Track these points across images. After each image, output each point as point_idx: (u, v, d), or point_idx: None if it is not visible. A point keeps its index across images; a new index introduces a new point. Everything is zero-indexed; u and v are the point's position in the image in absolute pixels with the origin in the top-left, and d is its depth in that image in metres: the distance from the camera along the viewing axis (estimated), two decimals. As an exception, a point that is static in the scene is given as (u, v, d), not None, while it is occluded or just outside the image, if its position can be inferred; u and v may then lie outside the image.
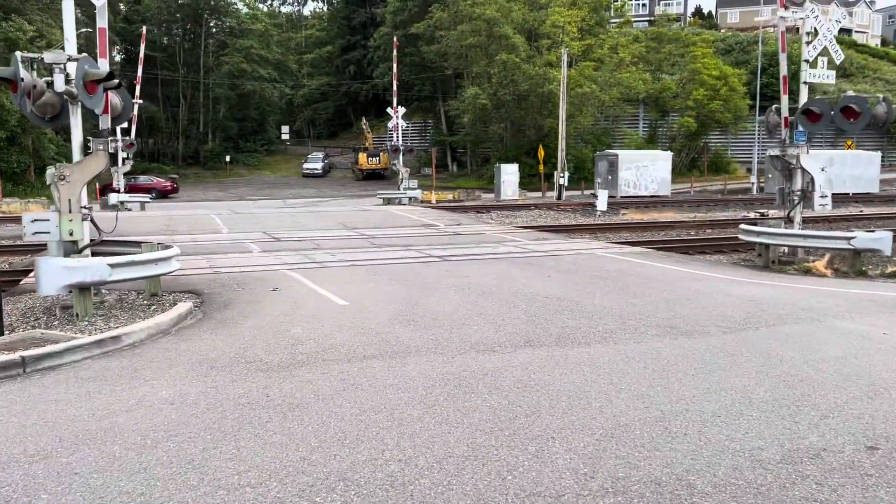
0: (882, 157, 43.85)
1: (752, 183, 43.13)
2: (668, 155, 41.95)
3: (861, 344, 7.03)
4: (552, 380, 5.82)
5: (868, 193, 38.98)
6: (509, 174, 38.67)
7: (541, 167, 42.37)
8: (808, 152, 13.97)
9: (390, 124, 36.51)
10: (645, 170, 40.29)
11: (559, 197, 37.97)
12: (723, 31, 73.48)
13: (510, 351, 6.84)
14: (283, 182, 57.29)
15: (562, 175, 38.08)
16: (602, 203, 31.18)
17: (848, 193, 36.44)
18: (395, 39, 39.03)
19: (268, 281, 11.42)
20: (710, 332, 7.72)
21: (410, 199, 33.52)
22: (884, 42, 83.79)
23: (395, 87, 35.94)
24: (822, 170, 13.70)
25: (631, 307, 9.17)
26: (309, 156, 63.38)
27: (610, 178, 39.85)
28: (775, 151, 14.19)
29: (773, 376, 5.90)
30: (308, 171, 60.20)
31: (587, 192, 39.55)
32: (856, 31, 78.15)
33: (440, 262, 14.07)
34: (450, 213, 27.94)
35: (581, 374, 5.97)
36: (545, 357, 6.58)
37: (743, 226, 15.10)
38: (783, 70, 13.92)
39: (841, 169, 38.14)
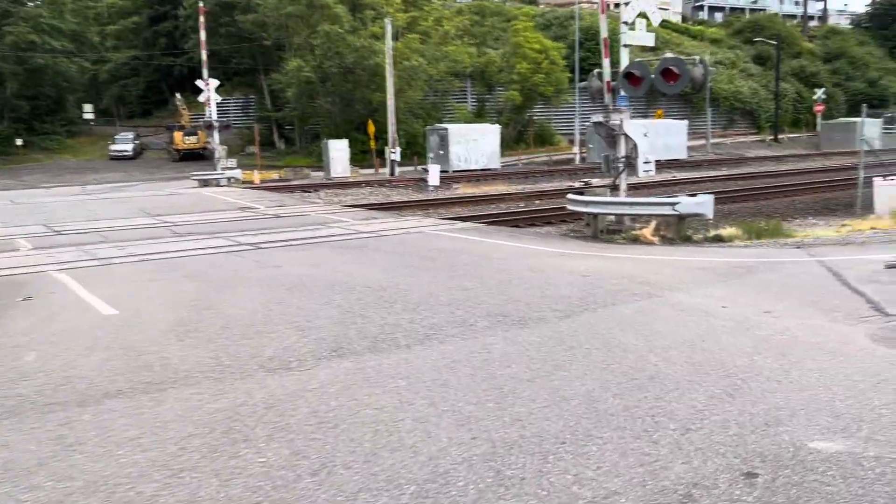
0: (688, 125, 46.85)
1: (575, 153, 44.44)
2: (497, 128, 42.08)
3: (705, 323, 6.38)
4: (358, 406, 4.52)
5: (678, 160, 41.41)
6: (338, 150, 36.87)
7: (372, 143, 40.91)
8: (630, 118, 13.69)
9: (202, 98, 33.37)
10: (475, 143, 40.12)
11: (392, 173, 36.80)
12: (542, 6, 75.49)
13: (312, 365, 5.46)
14: (88, 166, 51.36)
15: (393, 150, 36.89)
16: (434, 178, 30.37)
17: (660, 160, 38.41)
18: (200, 4, 35.62)
19: (25, 286, 9.18)
20: (546, 317, 6.79)
21: (230, 179, 30.84)
22: (684, 19, 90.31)
23: (204, 57, 32.82)
24: (645, 135, 13.47)
25: (461, 293, 8.11)
26: (117, 136, 57.25)
27: (442, 152, 39.27)
28: (599, 118, 13.80)
29: (619, 374, 4.99)
30: (116, 154, 54.37)
31: (421, 168, 38.73)
32: (659, 8, 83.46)
33: (251, 250, 12.33)
34: (273, 194, 25.85)
35: (395, 394, 4.72)
36: (354, 371, 5.27)
37: (570, 195, 14.66)
38: (603, 32, 13.48)
39: (654, 138, 40.06)
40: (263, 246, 12.77)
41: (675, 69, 12.69)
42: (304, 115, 49.61)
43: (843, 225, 15.05)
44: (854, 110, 67.52)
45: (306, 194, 27.11)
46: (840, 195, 22.10)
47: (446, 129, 39.98)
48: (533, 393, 4.64)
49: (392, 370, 5.24)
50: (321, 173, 37.34)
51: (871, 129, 58.48)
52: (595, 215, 13.94)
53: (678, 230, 12.78)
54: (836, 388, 4.50)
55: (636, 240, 12.88)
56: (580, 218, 15.24)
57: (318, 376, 5.17)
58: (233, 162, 32.86)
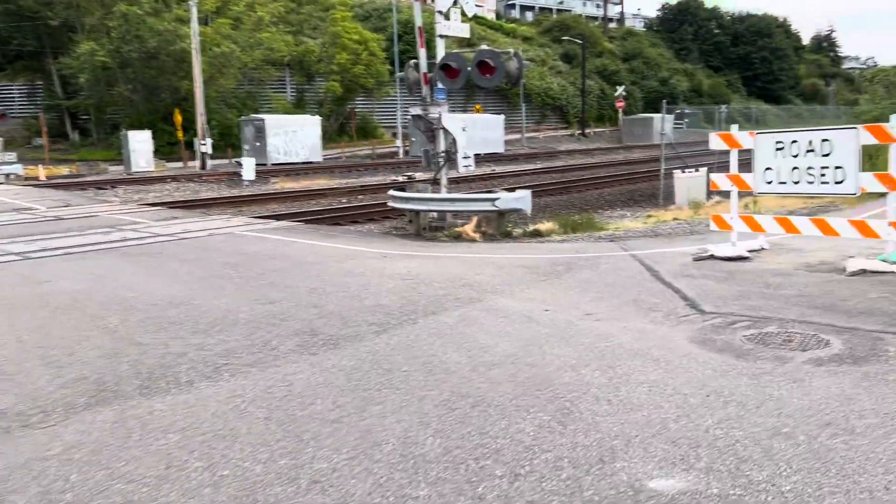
0: (505, 120, 48.29)
1: (398, 147, 44.16)
2: (317, 120, 40.72)
3: (529, 331, 5.94)
4: (107, 480, 3.48)
5: (496, 153, 42.47)
6: (140, 142, 33.67)
7: (180, 134, 37.88)
8: (449, 112, 13.30)
9: (-31, 83, 28.88)
10: (294, 135, 38.51)
11: (203, 167, 34.29)
12: (360, -3, 74.51)
13: (59, 419, 4.29)
14: None
15: (203, 142, 34.36)
16: (249, 172, 28.56)
17: (480, 154, 39.16)
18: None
19: None
20: (362, 333, 6.04)
21: (7, 176, 27.01)
22: (497, 16, 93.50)
23: (-30, 36, 28.39)
24: (464, 129, 13.14)
25: (266, 307, 7.13)
26: None
27: (258, 144, 37.24)
28: (417, 111, 13.28)
29: (440, 404, 4.35)
30: None
31: (235, 161, 36.43)
32: (475, 5, 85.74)
33: (18, 261, 10.43)
34: (59, 192, 22.85)
35: (162, 456, 3.73)
36: (114, 424, 4.18)
37: (392, 192, 14.04)
38: (418, 20, 12.95)
39: (473, 132, 40.75)
40: (34, 255, 10.89)
41: (490, 62, 12.44)
42: (101, 104, 44.98)
43: (649, 216, 15.76)
44: (650, 106, 73.61)
45: (100, 191, 24.35)
46: (643, 187, 23.48)
47: (263, 119, 37.97)
48: (339, 440, 3.85)
49: (164, 419, 4.22)
50: (122, 167, 33.93)
51: (666, 124, 64.32)
52: (417, 212, 13.42)
53: (499, 226, 12.58)
54: (667, 406, 4.15)
55: (459, 237, 12.52)
56: (404, 214, 14.68)
57: (62, 436, 4.02)
58: (11, 156, 28.88)
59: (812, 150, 8.22)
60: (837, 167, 8.01)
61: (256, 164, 30.24)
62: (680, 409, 4.11)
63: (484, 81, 12.61)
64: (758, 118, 77.58)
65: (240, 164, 29.53)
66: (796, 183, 8.42)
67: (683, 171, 17.19)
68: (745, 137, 8.98)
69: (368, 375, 4.94)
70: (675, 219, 14.31)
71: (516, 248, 10.96)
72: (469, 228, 12.64)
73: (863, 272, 7.60)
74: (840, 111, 77.75)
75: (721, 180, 9.32)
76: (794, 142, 8.38)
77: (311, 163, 37.27)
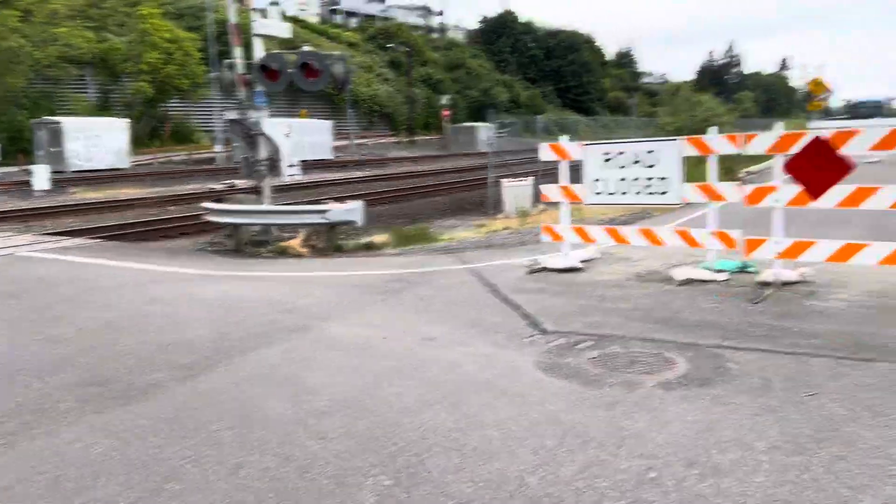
0: (332, 125, 47.29)
1: (218, 152, 41.69)
2: (125, 123, 37.37)
3: (367, 365, 5.29)
4: None
5: (324, 160, 41.41)
6: None
7: (-45, 138, 33.09)
8: (269, 116, 12.33)
9: None
10: (98, 140, 35.03)
11: (-16, 176, 30.09)
12: (173, -7, 69.84)
13: None
14: None
15: (-16, 148, 30.20)
16: (41, 180, 25.39)
17: (307, 160, 37.94)
18: None
19: None
20: (163, 382, 5.06)
21: None
22: (322, 21, 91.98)
23: None
24: (288, 135, 12.23)
25: (46, 350, 5.89)
26: None
27: (55, 149, 33.44)
28: (234, 115, 12.16)
29: (257, 475, 3.58)
30: None
31: (25, 168, 32.38)
32: (299, 8, 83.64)
33: None
34: None
35: None
36: None
37: (207, 204, 12.79)
38: (232, 16, 11.86)
39: (299, 137, 39.48)
40: None
41: (315, 64, 11.65)
42: None
43: (481, 225, 15.72)
44: (473, 115, 75.89)
45: None
46: (472, 195, 23.67)
47: (59, 122, 34.19)
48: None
49: None
50: None
51: (487, 133, 66.40)
52: (237, 226, 12.29)
53: (329, 239, 11.82)
54: (523, 453, 3.69)
55: (285, 252, 11.60)
56: (222, 227, 13.43)
57: None
58: None
59: (638, 162, 8.31)
60: (662, 178, 8.14)
61: (53, 172, 27.02)
62: (537, 455, 3.66)
63: (308, 85, 11.79)
64: (571, 128, 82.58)
65: (30, 172, 26.19)
66: (624, 193, 8.48)
67: (511, 180, 17.38)
68: (574, 148, 8.95)
69: (169, 440, 4.03)
70: (505, 228, 14.33)
71: (349, 264, 10.26)
72: (296, 243, 11.77)
73: (690, 281, 7.75)
74: (642, 122, 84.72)
75: (551, 191, 9.24)
76: (622, 153, 8.44)
77: (117, 170, 34.07)
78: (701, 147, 7.90)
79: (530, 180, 17.50)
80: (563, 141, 9.10)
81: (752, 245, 7.36)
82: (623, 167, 8.44)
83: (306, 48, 12.09)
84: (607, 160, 8.57)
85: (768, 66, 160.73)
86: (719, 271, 8.05)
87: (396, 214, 19.29)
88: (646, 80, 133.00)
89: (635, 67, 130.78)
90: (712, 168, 8.01)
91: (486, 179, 27.37)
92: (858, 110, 56.71)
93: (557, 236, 9.19)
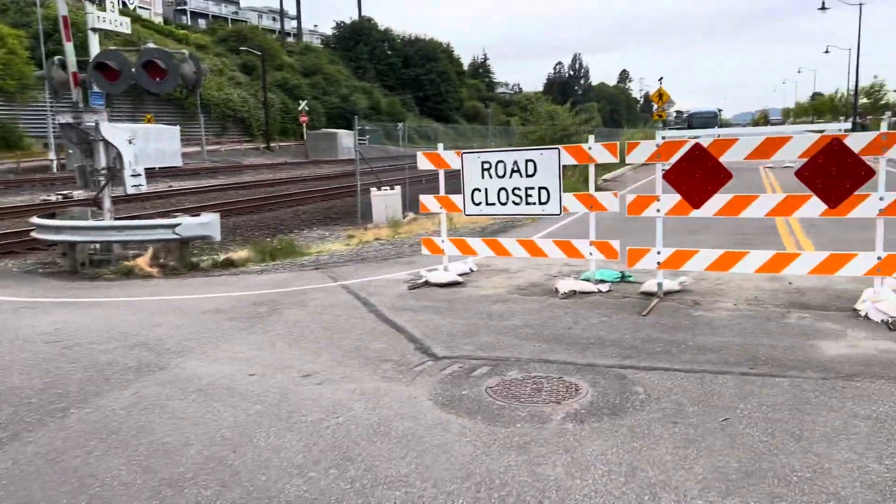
0: (181, 131, 44.49)
1: (52, 160, 37.93)
2: (-65, 127, 33.00)
3: (233, 410, 4.52)
4: None
5: (174, 167, 38.77)
6: None
7: None
8: (109, 120, 10.98)
9: None
10: None
11: None
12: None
13: None
14: None
15: None
16: None
17: (155, 168, 35.29)
18: None
19: None
20: (-26, 448, 4.03)
21: None
22: (166, 21, 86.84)
23: None
24: (131, 141, 10.95)
25: None
26: None
27: None
28: (68, 118, 10.71)
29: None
30: None
31: None
32: (140, 7, 78.43)
33: None
34: None
35: None
36: None
37: (35, 219, 11.21)
38: (62, 9, 10.43)
39: (145, 143, 36.72)
40: None
41: (161, 63, 10.49)
42: None
43: (351, 236, 15.01)
44: (333, 122, 74.53)
45: None
46: (338, 203, 22.83)
47: None
48: None
49: None
50: None
51: (348, 139, 65.33)
52: (73, 244, 10.83)
53: (182, 257, 10.67)
54: (435, 518, 3.12)
55: (131, 273, 10.33)
56: (55, 245, 11.84)
57: None
58: None
59: (517, 171, 8.02)
60: (542, 188, 7.90)
61: None
62: (451, 520, 3.11)
63: (154, 86, 10.60)
64: (431, 135, 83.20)
65: None
66: (504, 204, 8.17)
67: (380, 189, 16.80)
68: (452, 157, 8.54)
69: (-23, 535, 3.11)
70: (377, 239, 13.72)
71: (206, 285, 9.24)
72: (144, 262, 10.53)
73: (573, 293, 7.53)
74: (499, 130, 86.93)
75: (430, 202, 8.77)
76: (501, 162, 8.12)
77: (-72, 180, 29.99)
78: (581, 156, 7.73)
79: (399, 189, 17.01)
80: (441, 150, 8.66)
81: (635, 256, 7.25)
82: (503, 177, 8.13)
83: (151, 45, 10.87)
84: (486, 169, 8.22)
85: (610, 79, 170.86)
86: (600, 282, 7.92)
87: (257, 226, 18.10)
88: (500, 90, 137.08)
89: (490, 78, 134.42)
90: (592, 178, 7.87)
91: (351, 187, 26.57)
92: (694, 120, 60.93)
93: (437, 249, 8.74)
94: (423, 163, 8.76)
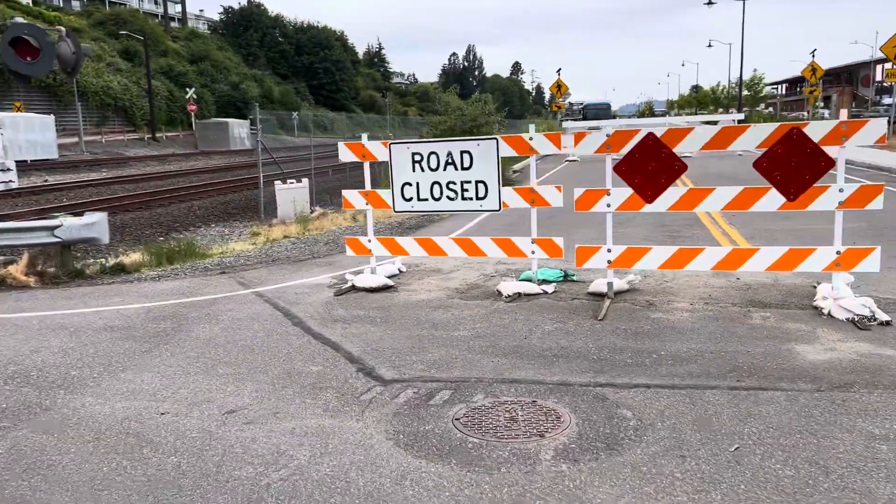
0: (56, 121, 40.91)
1: None
2: None
3: (142, 465, 3.62)
4: None
5: (48, 160, 35.61)
6: None
7: None
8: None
9: None
10: None
11: None
12: None
13: None
14: None
15: None
16: None
17: (27, 161, 32.21)
18: None
19: None
20: None
21: None
22: (35, 2, 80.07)
23: None
24: (0, 133, 9.46)
25: None
26: None
27: None
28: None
29: None
30: None
31: None
32: (3, -17, 71.72)
33: None
34: None
35: None
36: None
37: None
38: None
39: (14, 133, 33.44)
40: None
41: (32, 41, 9.07)
42: None
43: (255, 234, 13.88)
44: (223, 111, 71.26)
45: None
46: (236, 198, 21.40)
47: None
48: None
49: None
50: None
51: (240, 129, 62.55)
52: (-74, 251, 9.24)
53: (64, 263, 9.32)
54: None
55: (2, 283, 8.91)
56: None
57: None
58: None
59: (452, 164, 7.35)
60: (479, 181, 7.27)
61: None
62: None
63: (24, 67, 9.16)
64: (328, 125, 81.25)
65: None
66: (437, 199, 7.48)
67: (285, 182, 15.68)
68: (377, 148, 7.76)
69: None
70: (286, 237, 12.70)
71: (95, 296, 8.03)
72: (18, 270, 9.12)
73: (518, 296, 6.96)
74: (398, 120, 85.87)
75: (354, 197, 7.95)
76: (433, 154, 7.43)
77: None
78: (521, 147, 7.15)
79: (306, 182, 15.95)
80: (365, 140, 7.86)
81: (584, 254, 6.74)
82: (436, 169, 7.43)
83: (19, 19, 9.40)
84: (417, 161, 7.50)
85: (503, 71, 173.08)
86: (544, 282, 7.40)
87: (148, 224, 16.53)
88: (395, 80, 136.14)
89: (386, 67, 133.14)
90: (534, 171, 7.30)
91: (249, 180, 25.08)
92: (588, 111, 62.38)
93: (363, 249, 7.94)
94: (346, 154, 7.93)
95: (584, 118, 59.80)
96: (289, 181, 15.70)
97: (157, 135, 55.10)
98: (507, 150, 7.21)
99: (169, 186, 24.19)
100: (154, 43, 67.18)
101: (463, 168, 7.33)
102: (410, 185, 7.59)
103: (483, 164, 7.22)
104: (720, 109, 70.64)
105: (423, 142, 7.65)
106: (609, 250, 6.56)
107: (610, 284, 6.67)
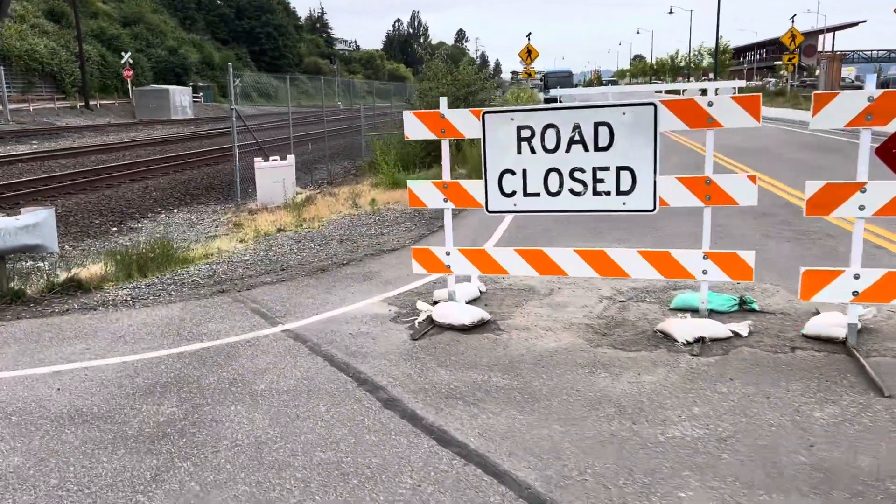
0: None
1: None
2: None
3: None
4: None
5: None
6: None
7: None
8: None
9: None
10: None
11: None
12: None
13: None
14: None
15: None
16: None
17: (-58, 133, 28.17)
18: None
19: None
20: None
21: None
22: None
23: None
24: None
25: None
26: None
27: None
28: None
29: None
30: None
31: None
32: None
33: None
34: None
35: None
36: None
37: None
38: None
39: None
40: None
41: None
42: None
43: (237, 224, 11.25)
44: (161, 78, 66.52)
45: None
46: (196, 175, 18.48)
47: None
48: None
49: None
50: None
51: (183, 97, 58.15)
52: None
53: (-7, 281, 6.65)
54: None
55: None
56: None
57: None
58: None
59: (580, 142, 5.02)
60: (623, 168, 4.96)
61: None
62: None
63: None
64: (271, 93, 77.13)
65: None
66: (555, 194, 5.15)
67: (267, 159, 12.99)
68: (463, 120, 5.35)
69: None
70: (280, 230, 10.16)
71: (46, 338, 5.43)
72: (-76, 294, 6.41)
73: (701, 342, 4.72)
74: (342, 89, 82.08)
75: (425, 192, 5.55)
76: (551, 127, 5.07)
77: None
78: (692, 116, 4.85)
79: (291, 160, 13.30)
80: (445, 108, 5.42)
81: (814, 281, 4.50)
82: (554, 150, 5.09)
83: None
84: (526, 139, 5.14)
85: (448, 38, 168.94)
86: (713, 312, 5.19)
87: (96, 210, 13.61)
88: (339, 47, 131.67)
89: (329, 33, 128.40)
90: (710, 154, 5.01)
91: (206, 155, 22.10)
92: (549, 79, 60.40)
93: (438, 265, 5.56)
94: (416, 128, 5.49)
95: (546, 86, 57.83)
96: (272, 158, 13.01)
97: (91, 102, 50.52)
98: (671, 122, 4.90)
99: (114, 162, 20.94)
100: (83, 4, 61.83)
101: (598, 148, 5.00)
102: (513, 173, 5.23)
103: (629, 143, 4.91)
104: (679, 78, 69.53)
105: (536, 109, 5.27)
106: (857, 276, 4.35)
107: (852, 327, 4.47)
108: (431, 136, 5.47)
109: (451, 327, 5.19)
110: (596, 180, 5.05)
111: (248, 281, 7.01)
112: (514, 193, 5.26)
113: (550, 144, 5.10)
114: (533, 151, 5.14)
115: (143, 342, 5.21)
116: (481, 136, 5.27)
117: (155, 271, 7.62)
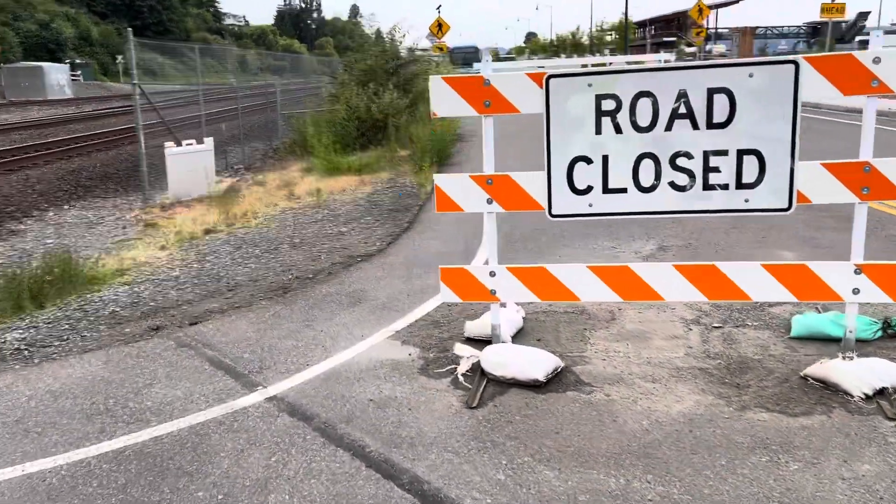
0: None
1: None
2: None
3: None
4: None
5: None
6: None
7: None
8: None
9: None
10: None
11: None
12: None
13: None
14: None
15: None
16: None
17: None
18: None
19: None
20: None
21: None
22: None
23: None
24: None
25: None
26: None
27: None
28: None
29: None
30: None
31: None
32: None
33: None
34: None
35: None
36: None
37: None
38: None
39: None
40: None
41: None
42: None
43: (151, 224, 9.16)
44: (32, 55, 60.55)
45: None
46: (86, 164, 15.85)
47: None
48: None
49: None
50: None
51: (59, 75, 52.83)
52: None
53: None
54: None
55: None
56: None
57: None
58: None
59: (688, 115, 3.59)
60: (746, 152, 3.58)
61: None
62: None
63: None
64: (156, 70, 72.13)
65: None
66: (648, 190, 3.71)
67: (180, 143, 10.86)
68: (518, 86, 3.79)
69: None
70: (208, 232, 8.24)
71: None
72: None
73: (882, 394, 3.42)
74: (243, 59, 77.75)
75: (460, 189, 3.96)
76: (646, 96, 3.61)
77: None
78: (850, 78, 3.50)
79: (210, 143, 11.21)
80: (488, 68, 3.83)
81: None
82: (648, 129, 3.64)
83: None
84: (609, 113, 3.66)
85: (342, 14, 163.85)
86: (858, 341, 3.91)
87: (-39, 210, 11.05)
88: (228, 22, 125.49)
89: (217, 7, 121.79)
90: (868, 133, 3.67)
91: (95, 139, 19.33)
92: (456, 55, 59.43)
93: (480, 291, 4.00)
94: (447, 100, 3.87)
95: (452, 63, 56.78)
96: (186, 143, 10.89)
97: (-51, 81, 44.84)
98: (820, 88, 3.53)
99: (-18, 150, 17.75)
100: (-66, -32, 55.12)
101: (711, 125, 3.58)
102: (589, 161, 3.73)
103: (758, 116, 3.53)
104: (586, 54, 69.80)
105: (624, 72, 3.76)
106: None
107: None
108: (471, 112, 3.87)
109: (515, 382, 3.67)
110: (708, 170, 3.64)
111: (189, 310, 5.20)
112: (589, 189, 3.77)
113: (644, 121, 3.64)
114: (618, 131, 3.66)
115: (55, 430, 3.40)
116: (543, 111, 3.74)
117: (55, 298, 5.64)
